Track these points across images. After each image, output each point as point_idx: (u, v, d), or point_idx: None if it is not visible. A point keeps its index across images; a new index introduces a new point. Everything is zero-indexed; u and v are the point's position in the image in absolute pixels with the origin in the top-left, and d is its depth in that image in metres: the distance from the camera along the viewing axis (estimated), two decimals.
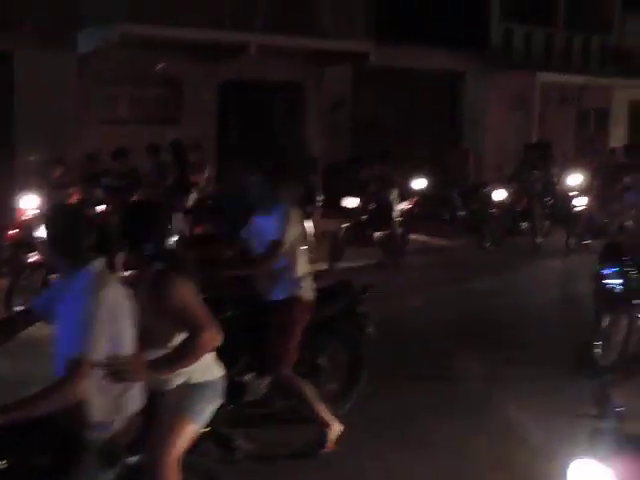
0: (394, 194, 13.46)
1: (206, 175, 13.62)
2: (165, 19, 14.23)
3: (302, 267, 6.31)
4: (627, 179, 11.89)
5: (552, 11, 22.44)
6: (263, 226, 6.27)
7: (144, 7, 14.11)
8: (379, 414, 6.98)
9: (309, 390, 6.07)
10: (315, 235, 13.25)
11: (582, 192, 15.38)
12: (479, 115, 20.51)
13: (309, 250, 12.82)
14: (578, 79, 21.58)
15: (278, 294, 6.21)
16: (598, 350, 8.14)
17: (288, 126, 17.27)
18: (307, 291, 6.30)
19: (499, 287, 12.15)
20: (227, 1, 15.20)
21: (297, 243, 6.27)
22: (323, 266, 12.74)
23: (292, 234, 6.16)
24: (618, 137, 22.88)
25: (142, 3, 14.20)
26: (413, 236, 14.49)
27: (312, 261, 12.75)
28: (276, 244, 6.10)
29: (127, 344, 3.88)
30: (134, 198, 12.81)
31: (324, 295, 6.57)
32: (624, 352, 8.11)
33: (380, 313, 10.23)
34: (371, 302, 10.61)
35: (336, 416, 6.25)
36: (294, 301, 6.18)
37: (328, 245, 12.94)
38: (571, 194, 15.60)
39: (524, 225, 15.02)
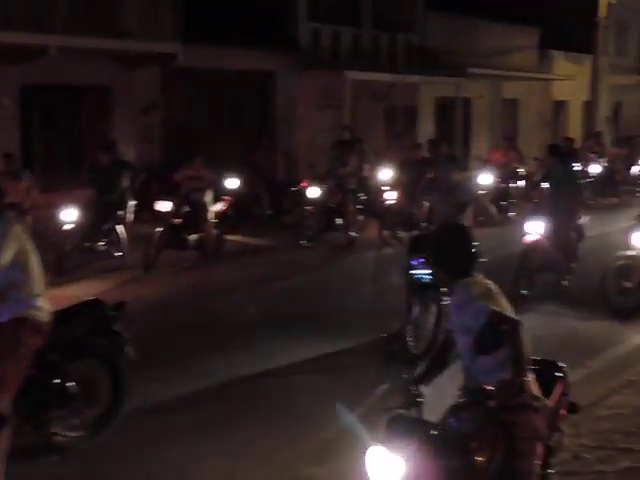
0: (208, 196, 13.33)
1: (24, 184, 12.95)
2: None
3: (35, 285, 5.77)
4: (430, 173, 12.19)
5: (359, 11, 22.89)
6: None
7: None
8: (192, 420, 6.86)
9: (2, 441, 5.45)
10: (128, 241, 12.98)
11: (392, 186, 15.77)
12: (290, 114, 20.65)
13: (124, 257, 12.63)
14: (386, 77, 22.09)
15: (3, 315, 5.65)
16: (410, 339, 8.34)
17: (96, 131, 16.74)
18: (40, 311, 5.76)
19: (315, 283, 12.27)
20: (23, 1, 14.54)
21: (25, 259, 5.69)
22: (137, 272, 12.47)
23: (12, 250, 5.57)
24: (425, 132, 23.61)
25: None
26: (229, 237, 14.39)
27: (125, 267, 12.64)
28: None
29: None
30: None
31: (67, 315, 6.18)
32: (434, 340, 8.35)
33: (197, 315, 10.24)
34: (188, 304, 10.58)
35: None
36: (20, 322, 5.64)
37: (142, 251, 12.65)
38: (383, 188, 15.95)
39: (339, 221, 15.20)
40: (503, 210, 18.20)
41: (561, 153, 12.44)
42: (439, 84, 24.16)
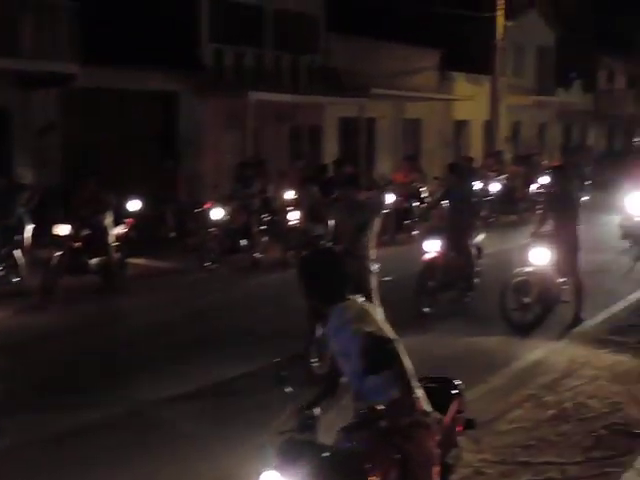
0: (108, 218, 13.05)
1: None
2: None
3: None
4: (337, 193, 12.20)
5: (261, 32, 22.95)
6: None
7: None
8: (83, 452, 6.68)
9: None
10: (26, 266, 12.64)
11: (296, 207, 15.76)
12: (195, 135, 20.52)
13: (22, 282, 12.26)
14: (290, 98, 22.18)
15: None
16: (314, 360, 8.31)
17: None
18: None
19: (219, 306, 12.13)
20: None
21: None
22: (36, 298, 12.13)
23: None
24: (331, 152, 23.76)
25: None
26: (132, 260, 14.13)
27: (24, 293, 12.29)
28: None
29: None
30: None
31: None
32: None
33: (97, 342, 10.01)
34: (89, 330, 10.33)
35: None
36: None
37: (41, 276, 12.31)
38: (287, 209, 15.94)
39: (243, 242, 15.12)
40: (406, 229, 18.39)
41: (461, 171, 12.64)
42: (343, 104, 24.36)
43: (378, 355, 3.98)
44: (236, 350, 9.53)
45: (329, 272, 4.38)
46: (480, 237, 12.01)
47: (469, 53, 30.33)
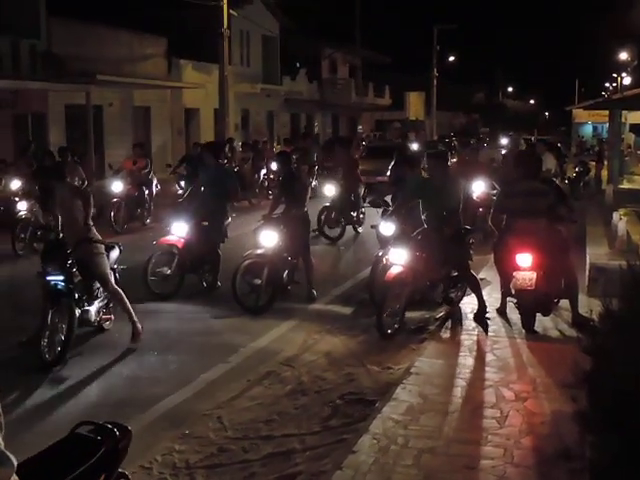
0: None
1: None
2: None
3: None
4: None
5: None
6: None
7: None
8: None
9: None
10: None
11: (23, 196, 15.12)
12: None
13: None
14: (10, 84, 21.12)
15: None
16: (44, 346, 8.09)
17: None
18: None
19: None
20: None
21: None
22: None
23: None
24: (57, 141, 22.90)
25: None
26: None
27: None
28: None
29: None
30: None
31: None
32: (65, 347, 8.21)
33: None
34: None
35: None
36: None
37: None
38: (16, 199, 15.25)
39: None
40: (139, 217, 18.13)
41: (216, 152, 12.48)
42: (68, 91, 23.58)
43: None
44: None
45: None
46: (228, 220, 11.88)
47: (197, 41, 30.38)
